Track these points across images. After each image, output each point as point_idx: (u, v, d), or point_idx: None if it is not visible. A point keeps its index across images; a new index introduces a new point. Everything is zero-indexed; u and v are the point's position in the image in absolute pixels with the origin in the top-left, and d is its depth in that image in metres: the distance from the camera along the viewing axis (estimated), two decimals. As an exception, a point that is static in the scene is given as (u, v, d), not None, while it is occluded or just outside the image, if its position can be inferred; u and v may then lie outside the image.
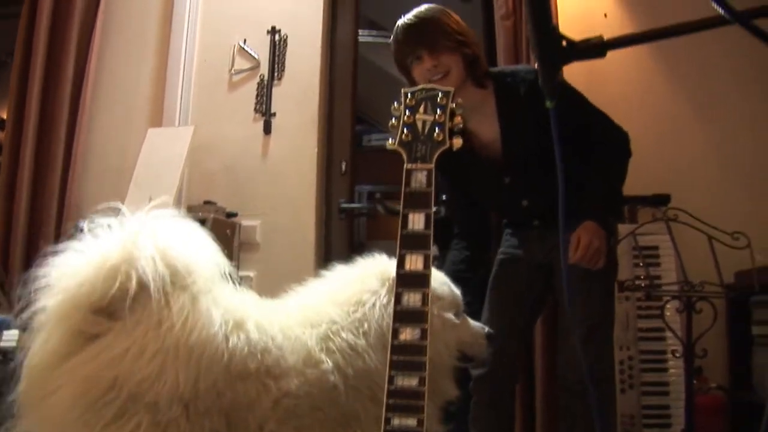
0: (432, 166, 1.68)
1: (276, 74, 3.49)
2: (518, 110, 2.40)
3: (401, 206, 1.64)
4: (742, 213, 3.16)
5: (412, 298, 1.54)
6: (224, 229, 3.17)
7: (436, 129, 1.70)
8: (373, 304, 1.81)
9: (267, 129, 3.45)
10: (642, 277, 3.00)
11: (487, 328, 2.01)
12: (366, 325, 1.76)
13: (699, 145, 3.38)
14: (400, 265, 1.57)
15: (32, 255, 3.24)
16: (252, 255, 3.38)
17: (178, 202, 3.25)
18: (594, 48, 1.36)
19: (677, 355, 2.76)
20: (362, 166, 4.16)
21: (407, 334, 1.51)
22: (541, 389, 3.04)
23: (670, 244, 3.06)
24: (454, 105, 1.74)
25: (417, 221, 1.63)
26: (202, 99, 3.54)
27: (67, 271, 1.54)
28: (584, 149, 2.32)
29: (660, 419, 2.90)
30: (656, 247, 3.06)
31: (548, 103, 1.49)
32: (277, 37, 3.54)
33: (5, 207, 3.34)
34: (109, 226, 1.61)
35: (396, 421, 1.43)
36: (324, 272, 1.94)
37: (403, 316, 1.52)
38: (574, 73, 3.27)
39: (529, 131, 2.36)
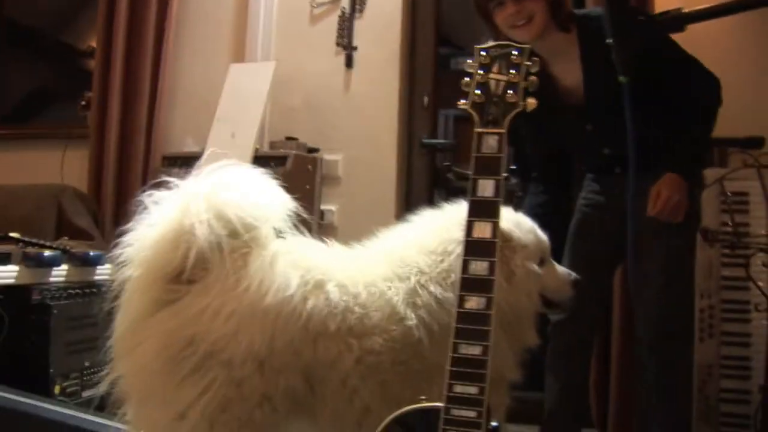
0: (504, 130, 1.64)
1: (357, 6, 3.43)
2: (602, 56, 2.31)
3: (471, 171, 1.63)
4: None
5: (479, 267, 1.55)
6: (306, 164, 3.21)
7: (510, 90, 1.66)
8: (459, 255, 1.83)
9: (349, 63, 3.43)
10: (729, 225, 2.90)
11: (573, 274, 1.98)
12: (453, 276, 1.72)
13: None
14: (468, 232, 1.57)
15: (122, 188, 3.39)
16: (334, 189, 3.42)
17: (260, 138, 3.30)
18: (672, 22, 1.29)
19: (760, 308, 2.68)
20: (450, 89, 4.09)
21: (473, 303, 1.52)
22: (617, 342, 3.02)
23: (761, 191, 2.95)
24: (530, 63, 1.69)
25: (486, 188, 1.61)
26: (283, 32, 3.52)
27: (138, 246, 1.60)
28: (673, 95, 2.24)
29: (739, 370, 2.84)
30: (746, 194, 2.92)
31: (621, 78, 1.43)
32: (357, -34, 3.47)
33: (97, 139, 3.47)
34: (171, 191, 1.63)
35: (458, 389, 1.47)
36: (408, 215, 1.93)
37: (469, 284, 1.53)
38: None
39: (613, 78, 2.27)
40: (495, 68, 1.72)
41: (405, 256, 1.84)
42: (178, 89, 3.61)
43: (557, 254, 2.34)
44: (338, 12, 3.47)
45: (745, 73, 3.09)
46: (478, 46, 1.75)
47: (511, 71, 1.68)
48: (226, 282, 1.60)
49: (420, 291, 1.76)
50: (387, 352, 1.68)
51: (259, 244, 1.71)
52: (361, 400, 1.64)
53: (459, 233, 1.81)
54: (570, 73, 2.36)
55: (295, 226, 1.79)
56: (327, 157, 3.41)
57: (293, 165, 3.09)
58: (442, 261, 1.77)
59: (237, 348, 1.56)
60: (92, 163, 3.44)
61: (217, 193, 1.62)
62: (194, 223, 1.55)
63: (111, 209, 3.32)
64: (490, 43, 1.73)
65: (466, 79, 1.72)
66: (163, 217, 1.61)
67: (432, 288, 1.74)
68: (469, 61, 1.73)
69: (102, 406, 2.53)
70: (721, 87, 2.30)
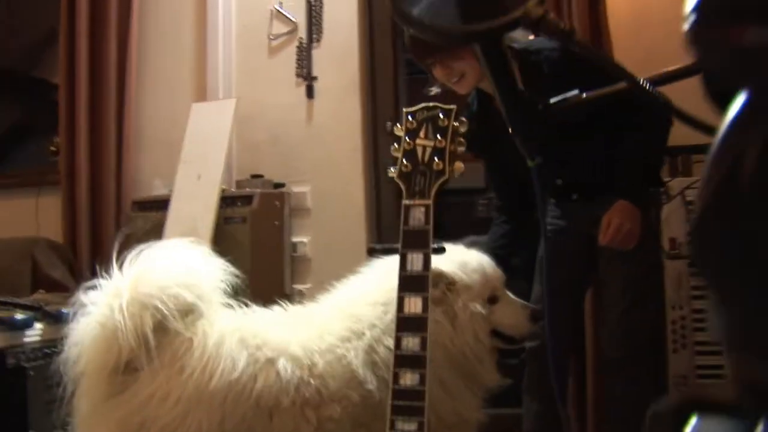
0: (430, 202, 1.66)
1: (314, 36, 3.43)
2: (542, 89, 2.31)
3: (400, 244, 1.64)
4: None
5: (411, 342, 1.57)
6: (272, 201, 3.23)
7: (436, 158, 1.67)
8: None
9: (310, 93, 3.43)
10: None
11: (531, 306, 2.02)
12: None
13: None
14: (400, 308, 1.59)
15: (97, 235, 3.41)
16: (304, 221, 3.43)
17: (228, 177, 3.32)
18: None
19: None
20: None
21: (408, 379, 1.55)
22: (591, 363, 3.04)
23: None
24: (457, 123, 1.70)
25: (415, 262, 1.63)
26: (243, 67, 3.52)
27: (79, 346, 1.64)
28: (620, 121, 2.24)
29: (714, 380, 2.85)
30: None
31: (530, 163, 1.45)
32: (312, -3, 3.46)
33: (68, 186, 3.48)
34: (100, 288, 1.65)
35: (400, 425, 1.50)
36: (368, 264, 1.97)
37: (402, 360, 1.56)
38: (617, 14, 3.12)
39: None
40: (422, 133, 1.73)
41: (356, 310, 1.87)
42: (145, 131, 3.61)
43: (522, 286, 2.36)
44: (296, 43, 3.47)
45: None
46: (406, 110, 1.76)
47: (438, 136, 1.69)
48: (172, 368, 1.64)
49: (376, 347, 1.79)
50: (347, 418, 1.72)
51: (205, 323, 1.74)
52: None
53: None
54: None
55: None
56: (295, 189, 3.42)
57: (260, 203, 3.11)
58: (386, 312, 1.79)
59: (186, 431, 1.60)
60: (65, 211, 3.46)
61: (138, 285, 1.63)
62: (117, 323, 1.57)
63: (87, 257, 3.34)
64: (418, 106, 1.74)
65: (395, 145, 1.74)
66: (93, 318, 1.63)
67: (386, 342, 1.76)
68: (398, 125, 1.74)
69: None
70: (668, 106, 2.28)
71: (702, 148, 2.53)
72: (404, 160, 1.69)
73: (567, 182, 2.45)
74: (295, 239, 3.41)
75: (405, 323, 1.56)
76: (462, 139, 1.68)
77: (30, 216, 3.57)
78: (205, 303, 1.72)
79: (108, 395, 1.66)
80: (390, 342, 1.69)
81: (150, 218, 3.19)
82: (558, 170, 2.43)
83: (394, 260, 1.78)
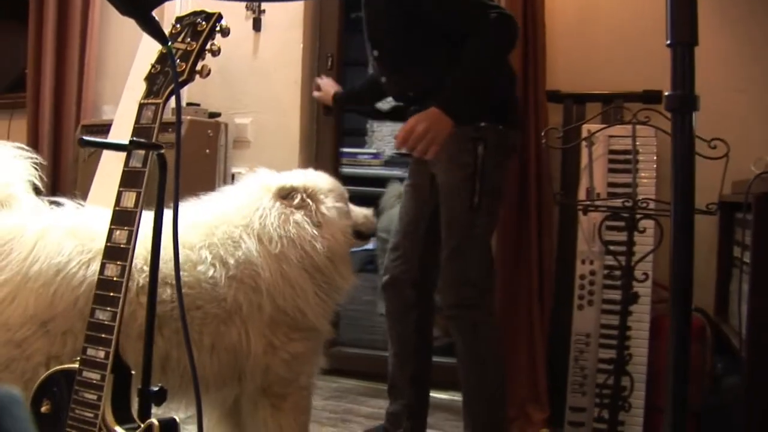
0: (161, 101, 1.66)
1: (267, -32, 3.42)
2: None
3: (129, 139, 1.65)
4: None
5: (120, 236, 1.58)
6: (204, 129, 3.26)
7: (179, 60, 1.67)
8: (256, 208, 1.96)
9: (257, 26, 3.44)
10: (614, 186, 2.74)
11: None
12: (250, 220, 1.91)
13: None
14: (117, 202, 1.60)
15: (57, 155, 3.59)
16: (244, 152, 3.46)
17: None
18: None
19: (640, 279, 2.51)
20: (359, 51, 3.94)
21: (111, 270, 1.56)
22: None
23: (653, 149, 2.75)
24: (218, 29, 1.70)
25: (137, 159, 1.64)
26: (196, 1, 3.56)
27: None
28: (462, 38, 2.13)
29: (617, 340, 2.68)
30: (635, 152, 2.71)
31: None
32: (262, -75, 3.43)
33: (33, 110, 3.66)
34: None
35: (90, 351, 1.52)
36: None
37: (111, 252, 1.57)
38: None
39: (387, 16, 2.26)
40: (180, 37, 1.73)
41: (205, 215, 1.95)
42: (108, 60, 3.72)
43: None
44: (248, -26, 3.46)
45: (641, 26, 2.87)
46: (177, 16, 1.77)
47: (191, 40, 1.69)
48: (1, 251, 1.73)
49: (215, 231, 1.88)
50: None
51: (31, 215, 1.81)
52: (159, 347, 1.74)
53: (257, 192, 2.00)
54: None
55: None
56: (238, 120, 3.45)
57: (188, 131, 3.17)
58: (245, 215, 1.93)
59: (13, 312, 1.68)
60: (29, 133, 3.62)
61: None
62: None
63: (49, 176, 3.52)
64: (188, 12, 1.75)
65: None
66: None
67: (225, 228, 1.89)
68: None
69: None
70: (513, 26, 2.15)
71: (626, 96, 2.38)
72: (156, 63, 1.71)
73: (396, 85, 2.41)
74: (234, 170, 3.45)
75: (118, 216, 1.58)
76: (218, 46, 1.69)
77: (2, 137, 3.77)
78: (18, 196, 1.83)
79: None
80: (232, 229, 1.89)
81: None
82: (391, 70, 2.38)
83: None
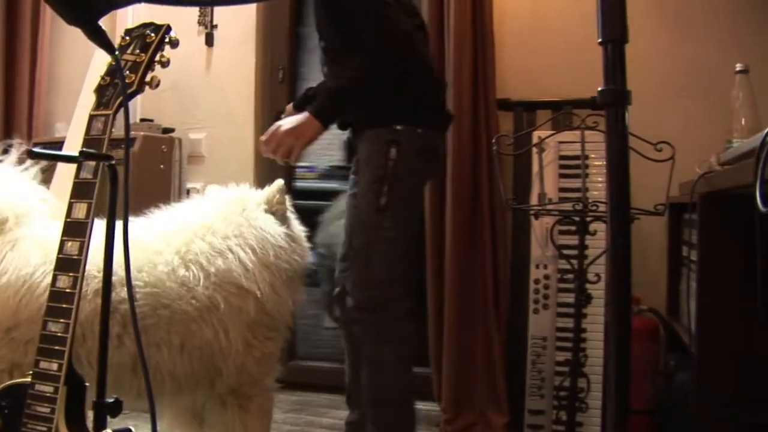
0: (110, 112, 1.67)
1: (218, -17, 3.43)
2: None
3: (78, 151, 1.65)
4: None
5: (72, 247, 1.57)
6: (158, 145, 3.26)
7: (128, 71, 1.67)
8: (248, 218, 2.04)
9: (209, 41, 3.44)
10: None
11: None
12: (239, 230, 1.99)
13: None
14: (68, 213, 1.59)
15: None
16: (198, 167, 3.46)
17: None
18: None
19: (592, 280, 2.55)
20: (307, 66, 3.97)
21: (63, 281, 1.55)
22: (448, 317, 2.96)
23: (603, 153, 2.80)
24: (166, 41, 1.71)
25: (88, 170, 1.63)
26: (149, 14, 3.55)
27: None
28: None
29: (573, 342, 2.72)
30: (584, 157, 2.77)
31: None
32: (214, -56, 3.45)
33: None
34: None
35: (43, 364, 1.50)
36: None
37: (63, 263, 1.56)
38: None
39: (316, 8, 2.27)
40: (130, 49, 1.74)
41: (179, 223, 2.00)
42: (59, 76, 3.69)
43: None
44: (200, -10, 3.47)
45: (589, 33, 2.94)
46: (126, 28, 1.78)
47: (140, 52, 1.70)
48: None
49: (195, 241, 1.92)
50: (144, 298, 1.80)
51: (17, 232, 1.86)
52: (128, 348, 1.77)
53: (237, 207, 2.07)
54: None
55: None
56: (192, 136, 3.45)
57: (142, 146, 3.15)
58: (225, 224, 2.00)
59: None
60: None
61: None
62: None
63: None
64: (137, 24, 1.76)
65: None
66: None
67: (208, 237, 1.95)
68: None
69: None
70: (397, 33, 2.10)
71: (575, 103, 2.42)
72: (105, 75, 1.72)
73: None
74: (189, 185, 3.44)
75: (69, 228, 1.57)
76: (165, 55, 1.71)
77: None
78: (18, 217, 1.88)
79: None
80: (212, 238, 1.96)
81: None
82: (329, 68, 2.36)
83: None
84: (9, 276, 1.75)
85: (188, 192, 3.43)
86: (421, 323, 2.99)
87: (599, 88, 0.99)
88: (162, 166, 3.23)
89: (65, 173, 3.11)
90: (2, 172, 1.93)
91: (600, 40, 0.96)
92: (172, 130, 3.38)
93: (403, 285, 2.21)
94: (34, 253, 1.78)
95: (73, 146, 3.31)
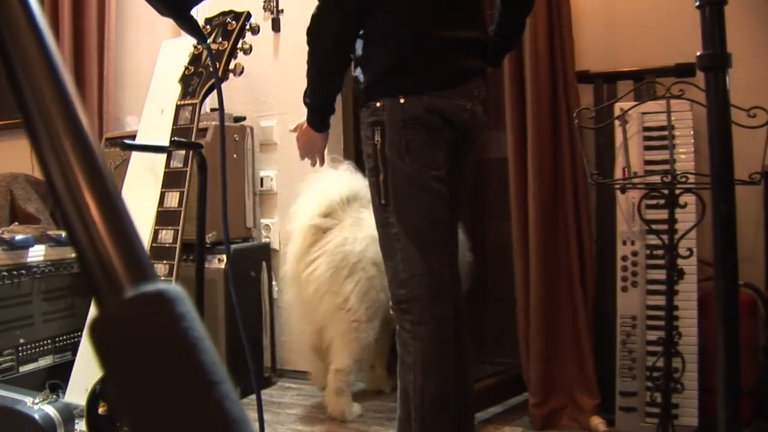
0: (197, 101, 1.66)
1: (282, -32, 3.38)
2: None
3: (169, 142, 1.64)
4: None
5: (165, 236, 1.56)
6: (230, 134, 3.24)
7: (212, 60, 1.67)
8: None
9: (276, 27, 3.41)
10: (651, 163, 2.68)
11: None
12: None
13: None
14: (161, 203, 1.59)
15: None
16: (271, 155, 3.43)
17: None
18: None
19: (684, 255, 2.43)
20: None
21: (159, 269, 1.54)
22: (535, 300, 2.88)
23: (689, 123, 2.68)
24: (247, 28, 1.71)
25: (178, 159, 1.62)
26: (215, 4, 3.54)
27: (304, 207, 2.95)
28: None
29: (665, 320, 2.61)
30: (671, 128, 2.65)
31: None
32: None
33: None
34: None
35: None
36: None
37: (155, 252, 1.55)
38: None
39: None
40: (212, 38, 1.73)
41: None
42: (125, 71, 3.71)
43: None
44: (264, -24, 3.43)
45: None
46: (205, 17, 1.77)
47: (221, 39, 1.68)
48: (355, 221, 2.94)
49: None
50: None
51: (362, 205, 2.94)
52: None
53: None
54: None
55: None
56: (263, 123, 3.43)
57: (214, 136, 3.14)
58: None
59: (365, 256, 2.88)
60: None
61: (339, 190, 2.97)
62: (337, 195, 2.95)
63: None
64: (217, 13, 1.75)
65: (193, 49, 1.75)
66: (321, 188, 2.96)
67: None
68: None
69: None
70: (324, 19, 2.05)
71: (658, 72, 2.30)
72: (189, 65, 1.72)
73: None
74: (262, 173, 3.42)
75: (162, 217, 1.56)
76: (247, 42, 1.70)
77: (24, 159, 3.75)
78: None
79: (314, 240, 2.92)
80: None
81: (120, 154, 3.30)
82: None
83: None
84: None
85: (261, 180, 3.41)
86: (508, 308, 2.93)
87: (698, 53, 0.93)
88: (235, 156, 3.22)
89: (139, 167, 3.13)
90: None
91: (697, 3, 0.90)
92: (243, 119, 3.36)
93: (428, 283, 1.96)
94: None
95: (145, 139, 3.33)
